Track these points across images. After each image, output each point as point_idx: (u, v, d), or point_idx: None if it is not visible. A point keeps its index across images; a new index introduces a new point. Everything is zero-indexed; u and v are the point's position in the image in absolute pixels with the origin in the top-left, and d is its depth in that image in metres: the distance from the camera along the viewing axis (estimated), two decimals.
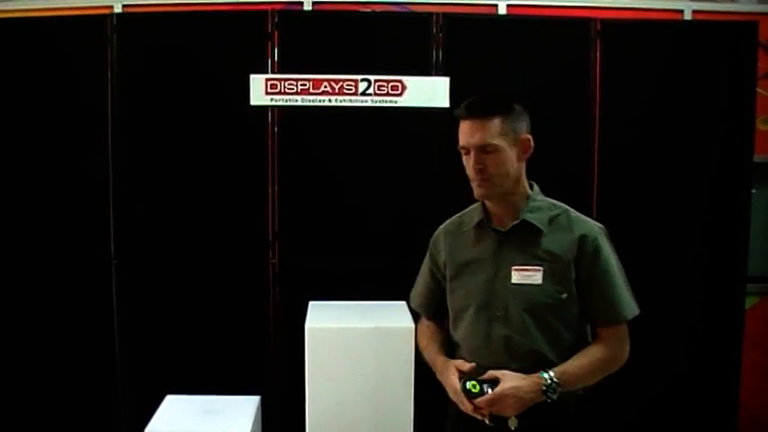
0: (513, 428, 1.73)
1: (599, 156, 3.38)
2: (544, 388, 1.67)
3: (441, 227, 2.02)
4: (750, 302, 3.59)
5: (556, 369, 1.69)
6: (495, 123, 1.74)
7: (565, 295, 1.73)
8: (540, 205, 1.81)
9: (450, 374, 1.83)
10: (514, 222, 1.79)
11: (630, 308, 1.77)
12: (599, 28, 3.35)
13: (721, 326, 3.49)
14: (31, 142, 3.35)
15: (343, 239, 3.39)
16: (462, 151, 1.81)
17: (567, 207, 1.83)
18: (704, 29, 3.50)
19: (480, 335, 1.80)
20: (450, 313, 1.93)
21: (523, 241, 1.77)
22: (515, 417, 1.72)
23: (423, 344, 2.05)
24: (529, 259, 1.75)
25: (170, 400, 2.89)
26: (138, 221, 3.35)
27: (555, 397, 1.67)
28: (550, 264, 1.74)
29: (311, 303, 3.06)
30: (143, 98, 3.33)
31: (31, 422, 3.41)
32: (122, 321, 3.37)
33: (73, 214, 3.36)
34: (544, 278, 1.73)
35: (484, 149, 1.75)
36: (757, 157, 3.47)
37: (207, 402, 2.85)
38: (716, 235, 3.46)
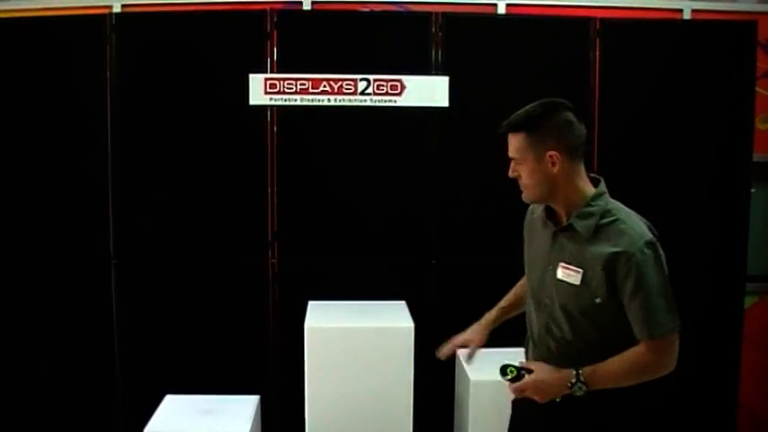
0: (557, 400, 1.85)
1: (598, 154, 3.37)
2: (569, 384, 1.78)
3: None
4: (749, 302, 3.60)
5: (586, 368, 1.79)
6: (521, 138, 1.85)
7: (599, 300, 1.80)
8: (593, 211, 1.84)
9: (459, 336, 2.15)
10: (565, 224, 1.88)
11: (662, 326, 1.79)
12: (598, 27, 3.35)
13: (720, 325, 3.49)
14: (29, 142, 3.34)
15: (342, 239, 3.39)
16: None
17: (621, 216, 1.84)
18: (703, 28, 3.50)
19: (533, 316, 1.98)
20: None
21: (571, 242, 1.86)
22: None
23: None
24: (572, 260, 1.84)
25: (169, 400, 2.89)
26: (137, 221, 3.35)
27: (581, 393, 1.78)
28: (588, 269, 1.81)
29: (311, 303, 3.06)
30: (142, 98, 3.32)
31: (32, 422, 3.41)
32: (122, 321, 3.37)
33: (72, 214, 3.35)
34: (582, 281, 1.82)
35: (515, 160, 1.88)
36: (756, 157, 3.47)
37: (206, 402, 2.85)
38: (715, 234, 3.46)
